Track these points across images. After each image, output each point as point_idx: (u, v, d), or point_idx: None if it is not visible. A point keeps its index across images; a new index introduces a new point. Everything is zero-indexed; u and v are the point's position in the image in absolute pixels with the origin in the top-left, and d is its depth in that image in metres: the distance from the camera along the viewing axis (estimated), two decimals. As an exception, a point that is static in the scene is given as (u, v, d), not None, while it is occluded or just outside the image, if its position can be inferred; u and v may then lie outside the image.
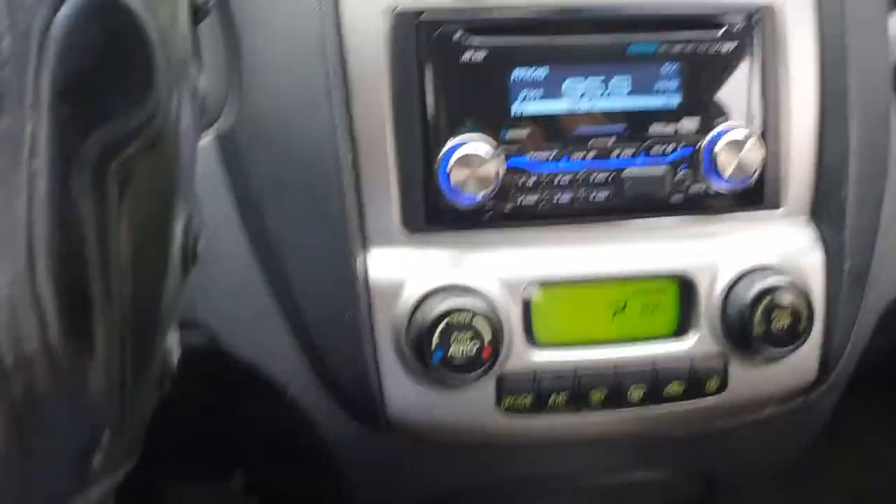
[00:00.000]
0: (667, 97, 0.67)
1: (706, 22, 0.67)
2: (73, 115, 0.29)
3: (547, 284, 0.67)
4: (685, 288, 0.69)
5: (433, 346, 0.62)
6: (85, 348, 0.31)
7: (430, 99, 0.65)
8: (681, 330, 0.69)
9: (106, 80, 0.30)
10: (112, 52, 0.30)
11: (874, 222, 0.72)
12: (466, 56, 0.65)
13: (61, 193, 0.29)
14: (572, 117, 0.66)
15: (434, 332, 0.62)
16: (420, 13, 0.64)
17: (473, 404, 0.67)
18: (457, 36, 0.64)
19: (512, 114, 0.65)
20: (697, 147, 0.67)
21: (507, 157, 0.65)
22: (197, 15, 0.45)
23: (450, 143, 0.65)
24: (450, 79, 0.65)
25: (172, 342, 0.38)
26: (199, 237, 0.40)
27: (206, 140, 0.66)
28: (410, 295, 0.64)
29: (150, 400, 0.37)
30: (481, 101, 0.65)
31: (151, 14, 0.32)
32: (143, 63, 0.31)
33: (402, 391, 0.66)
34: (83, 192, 0.29)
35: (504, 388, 0.66)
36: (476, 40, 0.64)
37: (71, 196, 0.29)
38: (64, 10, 0.29)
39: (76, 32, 0.29)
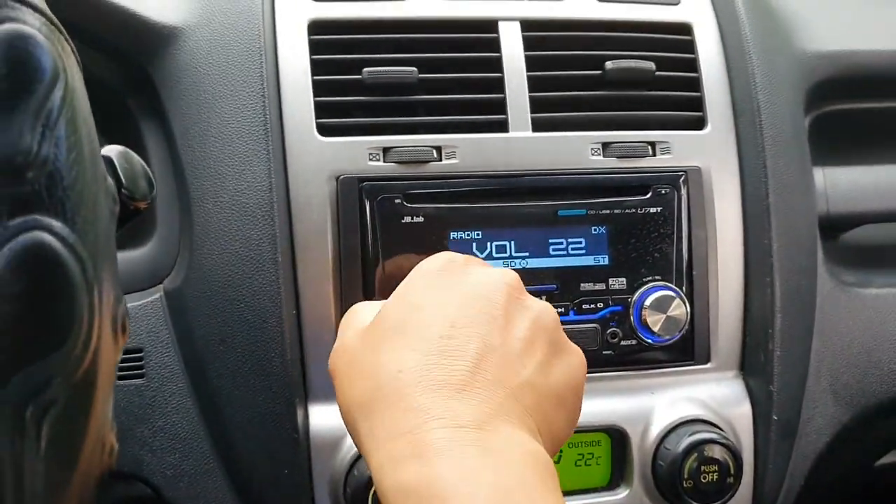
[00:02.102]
0: (596, 257, 0.71)
1: (633, 188, 0.72)
2: (-7, 360, 0.31)
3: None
4: (618, 440, 0.71)
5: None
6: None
7: (372, 258, 0.68)
8: (614, 482, 0.71)
9: (28, 326, 0.32)
10: (37, 301, 0.33)
11: (802, 374, 0.75)
12: (406, 219, 0.68)
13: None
14: (507, 276, 0.69)
15: (370, 489, 0.64)
16: (363, 180, 0.68)
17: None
18: (397, 201, 0.68)
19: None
20: (626, 304, 0.71)
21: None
22: (138, 208, 0.49)
23: (390, 301, 0.67)
24: (391, 239, 0.68)
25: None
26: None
27: (155, 296, 0.69)
28: (348, 451, 0.66)
29: None
30: (420, 260, 0.68)
31: (77, 250, 0.34)
32: (67, 309, 0.34)
33: (340, 546, 0.67)
34: (1, 432, 0.32)
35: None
36: (415, 205, 0.68)
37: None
38: (-3, 263, 0.31)
39: (4, 284, 0.32)
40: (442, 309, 0.50)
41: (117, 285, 0.39)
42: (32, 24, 0.34)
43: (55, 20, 0.37)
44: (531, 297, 0.54)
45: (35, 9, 0.35)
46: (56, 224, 0.34)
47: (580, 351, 0.55)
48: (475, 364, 0.48)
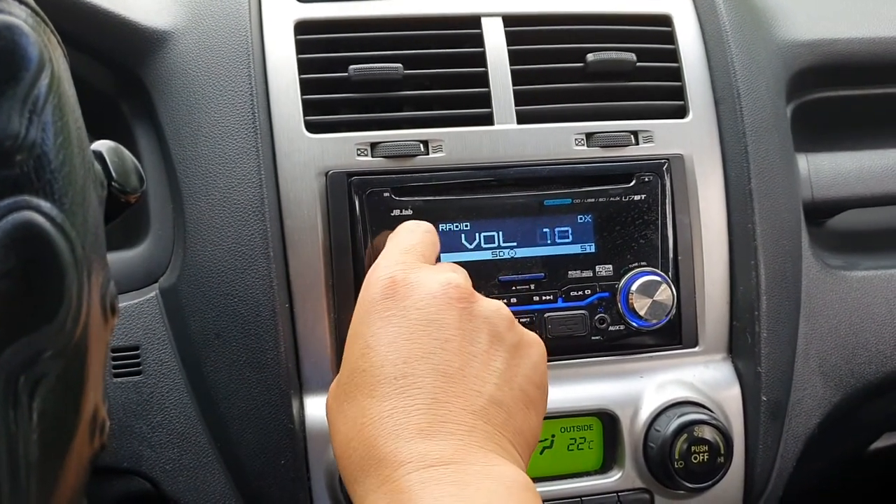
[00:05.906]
0: (582, 245, 0.72)
1: (617, 176, 0.73)
2: (-16, 333, 0.33)
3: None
4: (609, 424, 0.72)
5: (364, 491, 0.65)
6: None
7: (362, 250, 0.69)
8: (606, 465, 0.72)
9: (19, 301, 0.34)
10: (27, 277, 0.34)
11: (789, 355, 0.76)
12: (395, 212, 0.70)
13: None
14: (496, 265, 0.71)
15: (365, 476, 0.65)
16: (352, 175, 0.70)
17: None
18: (386, 194, 0.70)
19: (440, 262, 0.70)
20: (613, 290, 0.72)
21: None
22: (128, 201, 0.50)
23: (381, 292, 0.69)
24: (381, 232, 0.69)
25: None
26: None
27: (151, 294, 0.70)
28: (343, 440, 0.67)
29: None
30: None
31: (66, 230, 0.36)
32: (56, 285, 0.35)
33: (337, 534, 0.68)
34: (-7, 402, 0.33)
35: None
36: (404, 198, 0.70)
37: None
38: (-16, 241, 0.33)
39: None
40: (392, 346, 0.49)
41: (106, 267, 0.41)
42: (18, 16, 0.36)
43: (41, 12, 0.38)
44: (480, 298, 0.53)
45: (21, 1, 0.37)
46: (45, 204, 0.35)
47: (538, 339, 0.56)
48: (434, 399, 0.47)
